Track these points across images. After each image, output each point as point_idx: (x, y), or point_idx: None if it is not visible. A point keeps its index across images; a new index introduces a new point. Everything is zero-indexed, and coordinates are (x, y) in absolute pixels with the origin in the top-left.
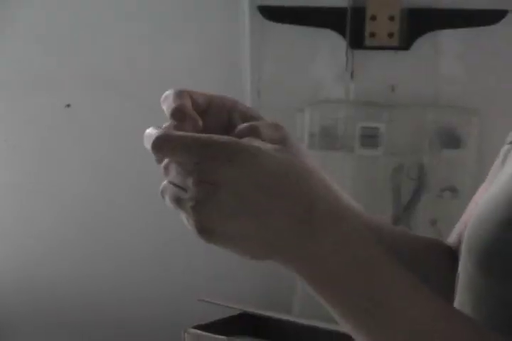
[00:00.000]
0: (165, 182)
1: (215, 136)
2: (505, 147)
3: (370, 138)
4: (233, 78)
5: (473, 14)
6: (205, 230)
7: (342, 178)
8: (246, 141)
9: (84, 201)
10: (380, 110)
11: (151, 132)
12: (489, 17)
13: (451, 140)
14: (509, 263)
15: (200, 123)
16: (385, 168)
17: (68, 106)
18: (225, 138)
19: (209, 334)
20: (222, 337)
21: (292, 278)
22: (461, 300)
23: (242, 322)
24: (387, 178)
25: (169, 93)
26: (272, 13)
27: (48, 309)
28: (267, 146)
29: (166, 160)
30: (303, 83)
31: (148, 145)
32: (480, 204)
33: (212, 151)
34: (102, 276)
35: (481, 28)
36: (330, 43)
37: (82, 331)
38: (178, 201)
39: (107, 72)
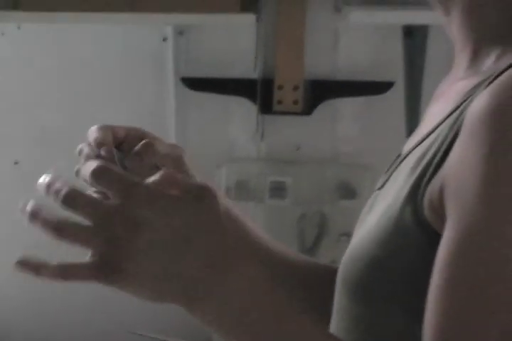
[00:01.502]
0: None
1: (142, 180)
2: (375, 193)
3: (278, 191)
4: None
5: (365, 85)
6: (115, 267)
7: None
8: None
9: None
10: (287, 166)
11: (93, 162)
12: (378, 87)
13: (348, 192)
14: (377, 294)
15: (114, 150)
16: (291, 216)
17: (16, 163)
18: (151, 183)
19: None
20: None
21: None
22: (335, 326)
23: None
24: (293, 225)
25: (94, 127)
26: (193, 84)
27: None
28: (189, 195)
29: (69, 190)
30: (221, 143)
31: (86, 172)
32: (351, 244)
33: (140, 192)
34: (37, 304)
35: (372, 96)
36: (243, 109)
37: None
38: (88, 233)
39: (55, 130)
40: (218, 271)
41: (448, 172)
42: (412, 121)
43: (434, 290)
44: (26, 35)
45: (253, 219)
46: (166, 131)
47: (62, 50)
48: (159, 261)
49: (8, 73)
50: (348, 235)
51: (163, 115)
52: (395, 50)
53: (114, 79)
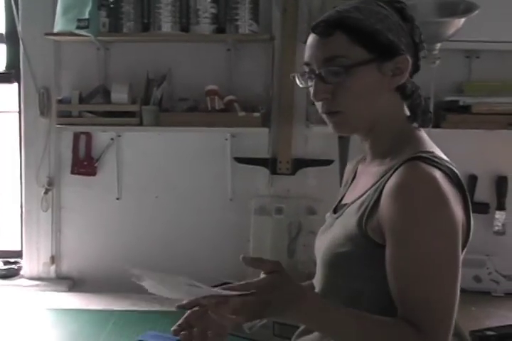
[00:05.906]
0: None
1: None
2: (332, 217)
3: (278, 211)
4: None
5: (321, 161)
6: (266, 302)
7: (266, 230)
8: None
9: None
10: (283, 199)
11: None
12: (327, 162)
13: (311, 211)
14: (342, 268)
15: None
16: (285, 223)
17: (156, 197)
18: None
19: None
20: None
21: None
22: (320, 293)
23: None
24: (285, 227)
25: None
26: (239, 160)
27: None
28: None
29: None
30: (251, 189)
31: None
32: (326, 243)
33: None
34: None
35: (324, 167)
36: (263, 172)
37: None
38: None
39: (174, 180)
40: (299, 298)
41: (381, 216)
42: (341, 179)
43: (389, 274)
44: (163, 138)
45: (266, 227)
46: (226, 181)
47: (175, 144)
48: (278, 300)
49: (155, 153)
50: (312, 232)
51: (225, 176)
52: (335, 145)
53: (200, 158)
